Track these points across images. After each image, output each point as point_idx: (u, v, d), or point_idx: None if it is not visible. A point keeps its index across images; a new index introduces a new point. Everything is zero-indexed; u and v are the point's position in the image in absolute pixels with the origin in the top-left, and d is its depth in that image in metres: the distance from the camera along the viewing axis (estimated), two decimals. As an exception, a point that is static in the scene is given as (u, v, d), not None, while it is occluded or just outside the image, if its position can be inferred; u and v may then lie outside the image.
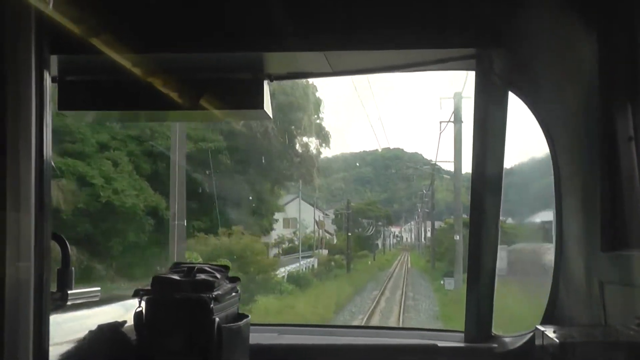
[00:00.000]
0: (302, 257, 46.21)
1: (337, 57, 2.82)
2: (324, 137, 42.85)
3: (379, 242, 77.63)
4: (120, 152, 29.12)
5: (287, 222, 56.01)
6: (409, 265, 59.67)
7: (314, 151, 42.62)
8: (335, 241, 59.01)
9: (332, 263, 47.84)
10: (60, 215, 23.25)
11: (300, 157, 40.73)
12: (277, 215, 44.40)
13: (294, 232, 54.50)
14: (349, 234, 52.83)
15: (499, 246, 3.06)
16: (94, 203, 26.57)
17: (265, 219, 39.55)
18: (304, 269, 41.90)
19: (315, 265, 46.28)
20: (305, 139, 40.15)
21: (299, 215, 53.81)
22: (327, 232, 63.09)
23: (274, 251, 45.92)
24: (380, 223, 74.83)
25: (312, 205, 57.65)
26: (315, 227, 58.09)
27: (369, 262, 58.16)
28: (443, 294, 31.63)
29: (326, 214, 66.05)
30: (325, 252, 54.73)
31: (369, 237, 67.03)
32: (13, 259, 1.55)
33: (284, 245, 51.47)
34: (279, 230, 52.22)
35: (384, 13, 2.69)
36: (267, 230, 41.22)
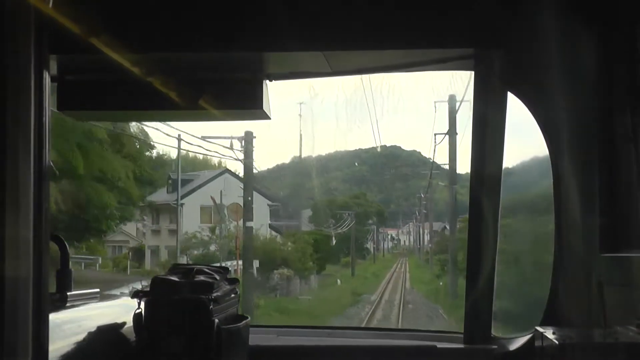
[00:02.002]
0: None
1: (336, 57, 2.82)
2: None
3: (370, 246, 61.88)
4: None
5: (206, 214, 35.62)
6: (408, 283, 38.48)
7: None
8: (292, 244, 34.50)
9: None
10: None
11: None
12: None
13: (213, 230, 34.33)
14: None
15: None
16: None
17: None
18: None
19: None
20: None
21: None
22: (274, 230, 39.04)
23: (182, 260, 28.72)
24: (370, 221, 59.74)
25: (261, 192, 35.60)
26: (227, 216, 32.82)
27: (338, 282, 35.39)
28: None
29: (274, 203, 41.05)
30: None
31: (352, 239, 46.82)
32: (12, 260, 1.54)
33: (195, 252, 32.72)
34: (193, 226, 33.79)
35: (383, 13, 2.69)
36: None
